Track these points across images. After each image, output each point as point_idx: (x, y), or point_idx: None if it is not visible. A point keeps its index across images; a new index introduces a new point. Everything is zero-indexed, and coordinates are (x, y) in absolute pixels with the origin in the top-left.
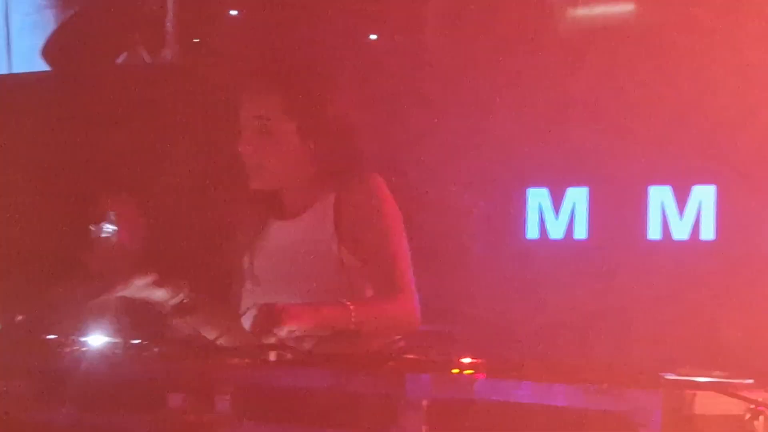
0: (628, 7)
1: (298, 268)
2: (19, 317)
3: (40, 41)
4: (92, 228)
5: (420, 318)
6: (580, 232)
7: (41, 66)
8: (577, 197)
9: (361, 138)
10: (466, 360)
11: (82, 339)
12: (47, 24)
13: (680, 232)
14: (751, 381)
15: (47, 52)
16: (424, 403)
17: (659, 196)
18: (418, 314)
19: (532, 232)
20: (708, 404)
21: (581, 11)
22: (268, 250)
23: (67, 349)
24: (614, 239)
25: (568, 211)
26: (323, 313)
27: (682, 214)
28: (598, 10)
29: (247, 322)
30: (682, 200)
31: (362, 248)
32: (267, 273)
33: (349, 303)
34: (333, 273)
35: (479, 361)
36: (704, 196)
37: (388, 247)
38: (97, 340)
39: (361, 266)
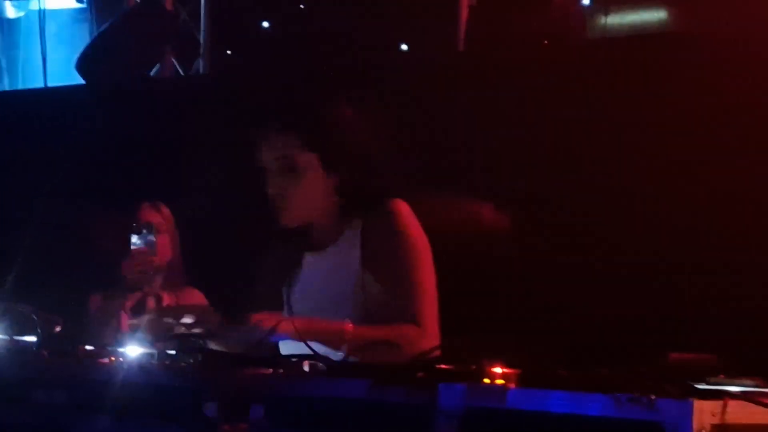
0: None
1: (328, 300)
2: (58, 328)
3: (74, 55)
4: (132, 238)
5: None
6: None
7: (76, 80)
8: None
9: (387, 163)
10: (498, 370)
11: (120, 349)
12: (81, 38)
13: None
14: None
15: (81, 66)
16: (457, 412)
17: None
18: (430, 346)
19: None
20: (739, 413)
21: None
22: (301, 283)
23: (105, 360)
24: None
25: None
26: (317, 326)
27: None
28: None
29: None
30: None
31: (386, 279)
32: (301, 305)
33: (349, 324)
34: (361, 303)
35: (511, 370)
36: None
37: (410, 278)
38: (133, 350)
39: (385, 296)
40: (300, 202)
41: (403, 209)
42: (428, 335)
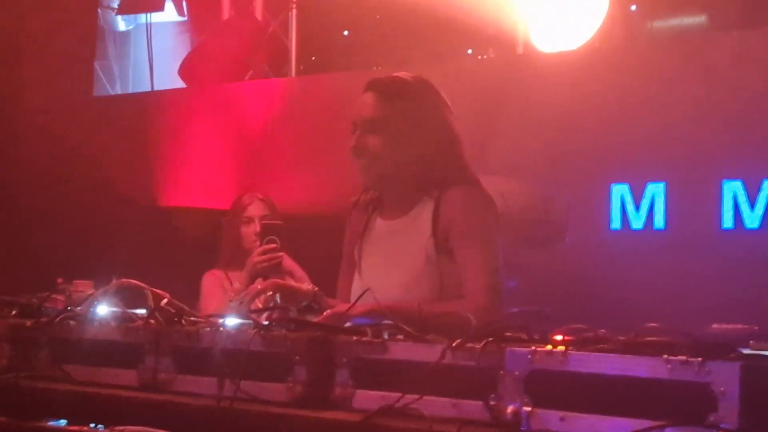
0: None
1: (396, 267)
2: (165, 301)
3: (177, 62)
4: (261, 236)
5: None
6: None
7: (178, 84)
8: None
9: (461, 146)
10: (559, 337)
11: (220, 320)
12: (183, 47)
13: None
14: None
15: (183, 72)
16: (521, 374)
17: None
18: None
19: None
20: None
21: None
22: (372, 247)
23: (207, 329)
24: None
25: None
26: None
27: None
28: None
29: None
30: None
31: (455, 254)
32: (370, 268)
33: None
34: (428, 274)
35: (570, 337)
36: None
37: (478, 256)
38: (233, 321)
39: (453, 270)
40: (378, 163)
41: (476, 189)
42: (495, 312)
